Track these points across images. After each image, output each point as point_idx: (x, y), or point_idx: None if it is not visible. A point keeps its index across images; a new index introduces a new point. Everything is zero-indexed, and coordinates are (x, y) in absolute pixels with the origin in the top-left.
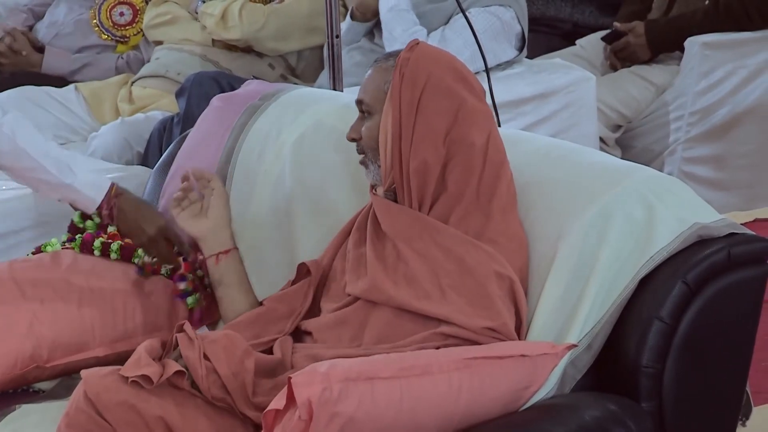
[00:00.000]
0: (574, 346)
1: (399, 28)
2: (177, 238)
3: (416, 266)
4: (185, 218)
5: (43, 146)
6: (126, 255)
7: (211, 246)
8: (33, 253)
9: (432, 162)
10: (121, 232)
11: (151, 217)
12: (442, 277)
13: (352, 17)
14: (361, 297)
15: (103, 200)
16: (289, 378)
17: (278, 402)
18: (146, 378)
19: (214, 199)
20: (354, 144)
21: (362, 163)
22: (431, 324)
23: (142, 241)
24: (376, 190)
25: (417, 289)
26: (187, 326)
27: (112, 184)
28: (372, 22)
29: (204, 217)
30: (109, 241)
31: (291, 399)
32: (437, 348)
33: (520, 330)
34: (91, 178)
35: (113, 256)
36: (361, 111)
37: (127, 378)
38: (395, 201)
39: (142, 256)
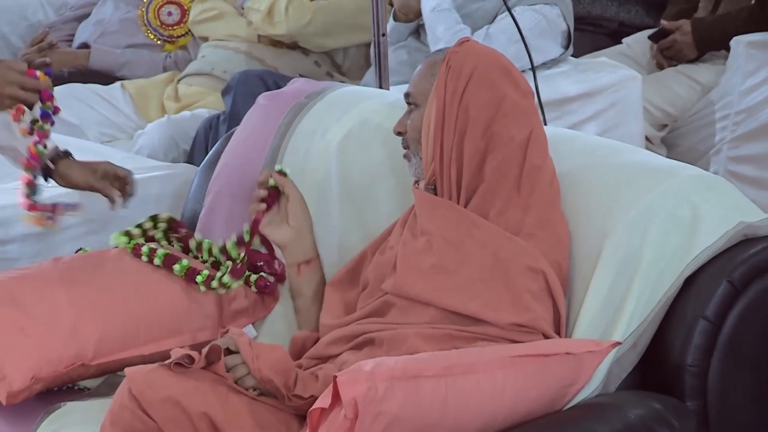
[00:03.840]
0: (619, 343)
1: (442, 27)
2: (124, 170)
3: (448, 258)
4: (266, 224)
5: None
6: (169, 262)
7: (293, 255)
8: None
9: (471, 153)
10: (67, 178)
11: (93, 164)
12: (473, 271)
13: (395, 18)
14: (391, 293)
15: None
16: (335, 377)
17: (323, 401)
18: (189, 358)
19: (292, 205)
20: (400, 141)
21: (405, 157)
22: (461, 319)
23: (92, 183)
24: (418, 185)
25: (445, 282)
26: (233, 329)
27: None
28: (417, 22)
29: (286, 225)
30: (156, 247)
31: (336, 397)
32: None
33: (560, 324)
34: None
35: (157, 261)
36: (408, 104)
37: (170, 367)
38: (435, 194)
39: (204, 275)
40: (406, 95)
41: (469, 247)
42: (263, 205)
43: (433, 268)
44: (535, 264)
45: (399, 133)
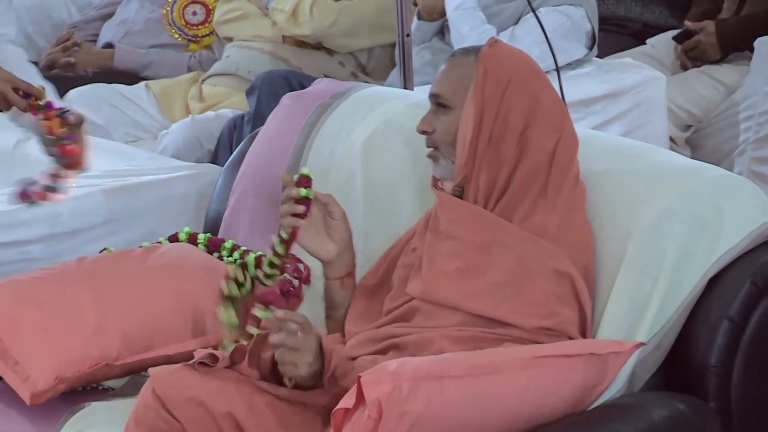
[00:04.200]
0: (643, 344)
1: (467, 27)
2: (25, 84)
3: (473, 262)
4: (309, 238)
5: None
6: (212, 245)
7: (337, 270)
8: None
9: (506, 159)
10: None
11: None
12: (499, 274)
13: (419, 17)
14: (417, 298)
15: None
16: (359, 377)
17: (347, 400)
18: (213, 358)
19: (336, 222)
20: (424, 141)
21: (431, 156)
22: (487, 322)
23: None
24: (442, 184)
25: (472, 286)
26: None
27: None
28: (441, 22)
29: (329, 241)
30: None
31: (360, 397)
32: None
33: (586, 326)
34: None
35: (200, 247)
36: (437, 104)
37: (194, 367)
38: (460, 197)
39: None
40: (435, 95)
41: (495, 251)
42: (300, 221)
43: (459, 272)
44: (561, 267)
45: (424, 132)
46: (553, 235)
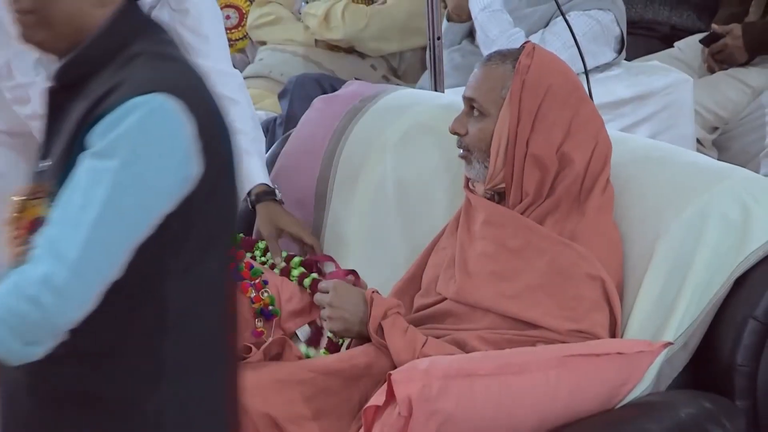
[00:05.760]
0: (670, 343)
1: (496, 30)
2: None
3: (507, 265)
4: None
5: None
6: (246, 245)
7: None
8: None
9: (546, 172)
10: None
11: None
12: (532, 278)
13: (448, 19)
14: (451, 299)
15: None
16: (389, 375)
17: (378, 398)
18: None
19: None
20: (455, 142)
21: (463, 157)
22: (519, 324)
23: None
24: (473, 186)
25: (506, 288)
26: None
27: None
28: (470, 23)
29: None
30: None
31: (391, 395)
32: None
33: (615, 329)
34: None
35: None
36: (471, 108)
37: None
38: (492, 200)
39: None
40: (469, 99)
41: (528, 255)
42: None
43: (493, 275)
44: (593, 271)
45: (457, 133)
46: (584, 240)
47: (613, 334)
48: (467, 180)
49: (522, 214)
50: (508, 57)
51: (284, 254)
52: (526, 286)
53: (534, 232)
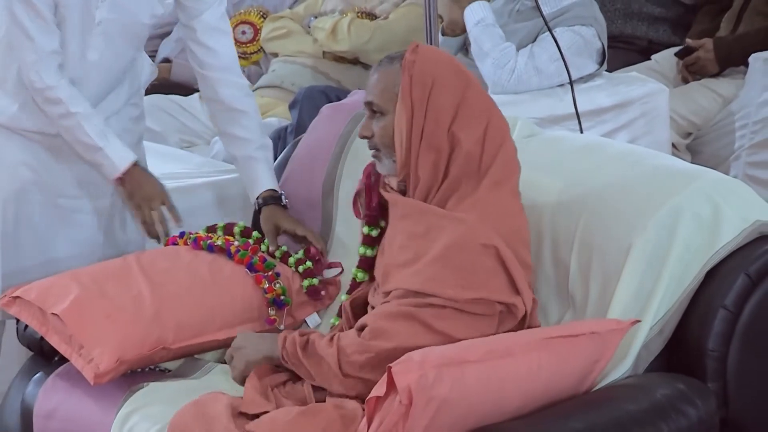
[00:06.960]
0: (638, 321)
1: (489, 43)
2: (172, 208)
3: (418, 249)
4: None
5: (89, 112)
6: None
7: None
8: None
9: (438, 153)
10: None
11: (153, 184)
12: (432, 255)
13: (443, 33)
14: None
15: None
16: (389, 367)
17: (379, 389)
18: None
19: None
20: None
21: (375, 157)
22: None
23: (137, 201)
24: (389, 181)
25: (411, 269)
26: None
27: (136, 160)
28: (464, 37)
29: None
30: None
31: (390, 386)
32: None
33: (517, 287)
34: (121, 150)
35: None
36: (372, 111)
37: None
38: (404, 193)
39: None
40: (369, 103)
41: (431, 237)
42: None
43: (406, 262)
44: (486, 240)
45: (364, 137)
46: (479, 211)
47: (516, 290)
48: (384, 183)
49: (425, 200)
50: (396, 58)
51: (283, 248)
52: (426, 262)
53: (432, 214)
